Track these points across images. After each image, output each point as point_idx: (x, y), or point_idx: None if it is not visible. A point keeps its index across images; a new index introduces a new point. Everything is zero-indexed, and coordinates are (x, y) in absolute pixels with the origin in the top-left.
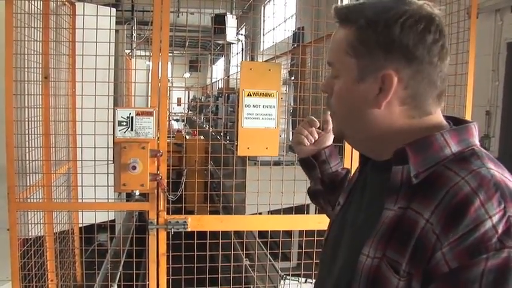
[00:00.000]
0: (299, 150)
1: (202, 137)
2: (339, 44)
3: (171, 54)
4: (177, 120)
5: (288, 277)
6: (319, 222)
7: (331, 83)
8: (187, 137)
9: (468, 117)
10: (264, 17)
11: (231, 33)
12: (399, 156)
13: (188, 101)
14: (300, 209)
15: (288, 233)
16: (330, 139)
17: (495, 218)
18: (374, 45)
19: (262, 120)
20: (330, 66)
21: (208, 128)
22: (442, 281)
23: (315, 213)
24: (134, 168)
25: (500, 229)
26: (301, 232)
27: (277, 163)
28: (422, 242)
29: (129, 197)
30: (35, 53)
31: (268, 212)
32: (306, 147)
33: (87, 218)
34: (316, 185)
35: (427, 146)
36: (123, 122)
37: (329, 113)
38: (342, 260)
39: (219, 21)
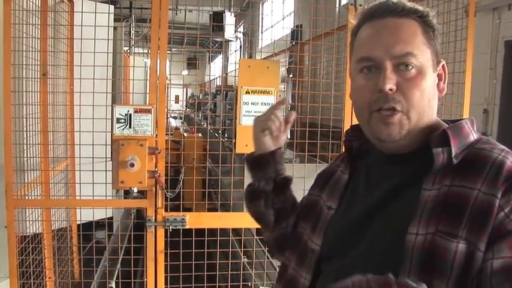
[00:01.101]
0: (261, 142)
1: (200, 135)
2: (414, 32)
3: (169, 52)
4: (175, 118)
5: None
6: None
7: (405, 75)
8: (185, 134)
9: (466, 115)
10: (262, 14)
11: (229, 30)
12: (441, 138)
13: (186, 98)
14: None
15: None
16: (284, 138)
17: None
18: (433, 34)
19: None
20: (402, 59)
21: (207, 125)
22: (509, 237)
23: None
24: (132, 165)
25: None
26: None
27: None
28: (481, 209)
29: (127, 194)
30: (33, 50)
31: None
32: (268, 140)
33: (85, 215)
34: (267, 185)
35: (459, 131)
36: (121, 119)
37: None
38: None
39: (217, 18)
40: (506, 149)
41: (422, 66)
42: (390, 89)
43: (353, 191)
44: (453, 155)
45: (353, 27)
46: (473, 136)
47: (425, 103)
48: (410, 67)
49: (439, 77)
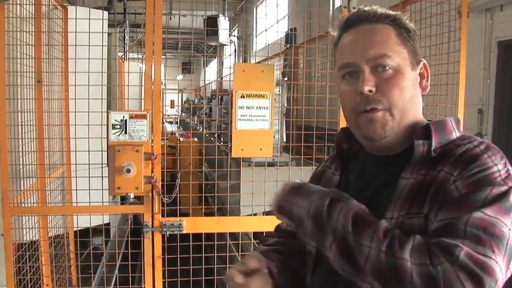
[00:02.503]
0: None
1: (196, 139)
2: (387, 35)
3: (163, 57)
4: (170, 123)
5: None
6: None
7: (383, 76)
8: (181, 139)
9: (461, 115)
10: (256, 18)
11: (223, 35)
12: (423, 132)
13: (181, 103)
14: None
15: None
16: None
17: (499, 167)
18: (408, 35)
19: (255, 121)
20: (377, 61)
21: (202, 130)
22: (451, 203)
23: None
24: (128, 171)
25: (503, 174)
26: None
27: (271, 164)
28: (440, 185)
29: (124, 200)
30: (28, 57)
31: (263, 213)
32: None
33: (82, 221)
34: None
35: (443, 127)
36: (117, 125)
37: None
38: None
39: (212, 23)
40: (485, 141)
41: (399, 65)
42: (370, 91)
43: (344, 192)
44: (432, 148)
45: (335, 38)
46: (456, 134)
47: (407, 100)
48: (387, 68)
49: (421, 75)
